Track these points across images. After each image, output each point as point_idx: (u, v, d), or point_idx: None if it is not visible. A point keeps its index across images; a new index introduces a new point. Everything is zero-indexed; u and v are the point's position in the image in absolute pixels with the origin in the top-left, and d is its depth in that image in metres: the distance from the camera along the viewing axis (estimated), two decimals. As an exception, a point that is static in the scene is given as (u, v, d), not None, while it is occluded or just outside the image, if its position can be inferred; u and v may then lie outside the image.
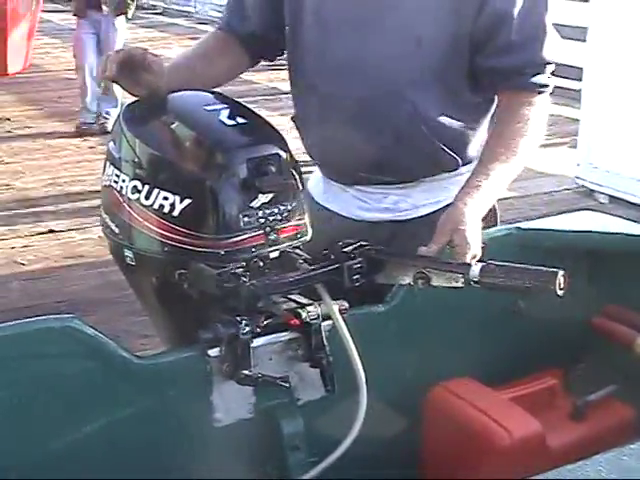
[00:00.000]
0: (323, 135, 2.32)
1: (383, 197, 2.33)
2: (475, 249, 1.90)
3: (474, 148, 2.28)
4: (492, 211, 2.30)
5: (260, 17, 2.34)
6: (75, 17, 8.60)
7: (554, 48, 2.20)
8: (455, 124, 2.25)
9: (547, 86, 2.21)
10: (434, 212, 2.05)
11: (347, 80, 2.21)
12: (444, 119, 2.22)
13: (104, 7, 8.17)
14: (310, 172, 2.47)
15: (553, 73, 2.23)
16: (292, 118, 2.42)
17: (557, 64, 2.22)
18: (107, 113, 8.31)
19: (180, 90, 2.05)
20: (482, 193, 2.04)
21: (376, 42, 2.18)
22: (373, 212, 2.35)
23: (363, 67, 2.20)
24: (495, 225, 2.35)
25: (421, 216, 2.30)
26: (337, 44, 2.21)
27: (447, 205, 2.06)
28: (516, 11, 2.14)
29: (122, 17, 8.35)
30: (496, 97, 2.27)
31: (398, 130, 2.21)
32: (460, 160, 2.27)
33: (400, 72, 2.18)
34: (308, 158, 2.41)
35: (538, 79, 2.19)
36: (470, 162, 2.24)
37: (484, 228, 2.08)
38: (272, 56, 2.45)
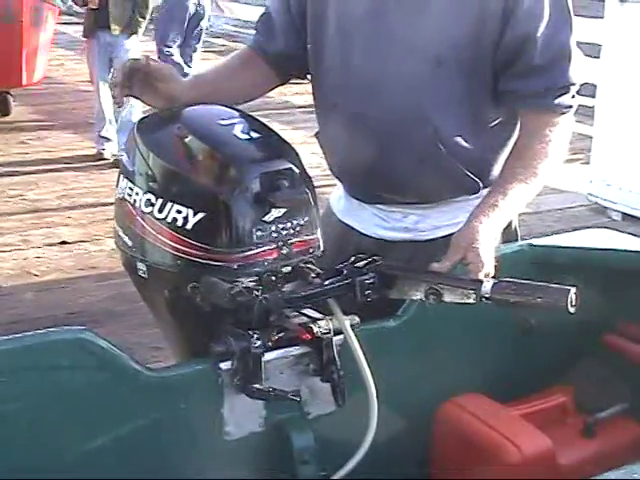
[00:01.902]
0: (344, 153, 2.32)
1: (403, 217, 2.33)
2: (488, 267, 1.89)
3: (496, 171, 2.26)
4: (512, 228, 2.30)
5: (286, 36, 2.35)
6: (85, 39, 8.26)
7: (578, 69, 2.17)
8: (477, 147, 2.23)
9: (571, 107, 2.19)
10: (453, 234, 2.04)
11: (368, 100, 2.21)
12: (466, 142, 2.21)
13: (112, 26, 7.82)
14: (325, 185, 2.49)
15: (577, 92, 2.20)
16: (315, 134, 2.43)
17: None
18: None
19: (196, 104, 2.06)
20: (498, 212, 2.03)
21: (397, 63, 2.18)
22: (392, 231, 2.35)
23: (384, 88, 2.19)
24: (516, 242, 2.35)
25: (440, 237, 2.28)
26: (359, 64, 2.21)
27: None
28: (539, 34, 2.11)
29: (134, 37, 8.01)
30: (519, 118, 2.25)
31: (419, 152, 2.20)
32: (481, 183, 2.25)
33: (421, 94, 2.17)
34: (320, 173, 2.43)
35: (561, 100, 2.17)
36: (491, 185, 2.20)
37: (502, 244, 2.09)
38: (302, 74, 2.41)
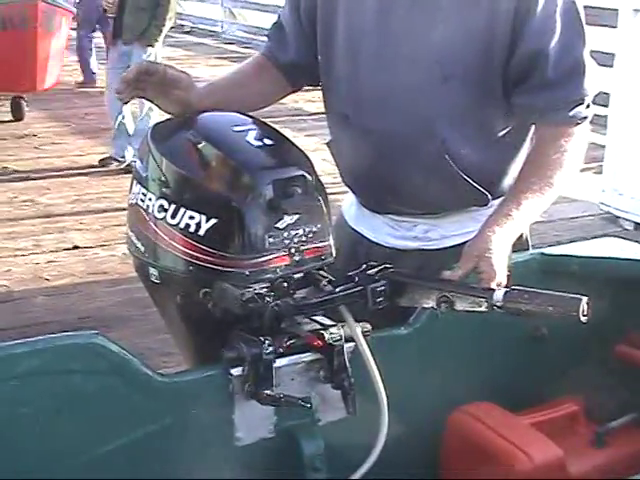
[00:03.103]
0: (355, 164, 2.32)
1: (413, 226, 2.33)
2: (500, 276, 1.89)
3: (505, 183, 2.26)
4: (523, 237, 2.29)
5: (298, 45, 2.35)
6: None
7: (592, 80, 2.15)
8: (486, 161, 2.22)
9: (586, 117, 2.16)
10: (463, 243, 2.03)
11: (377, 113, 2.21)
12: (474, 156, 2.20)
13: (125, 35, 7.80)
14: (337, 193, 2.49)
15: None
16: (327, 144, 2.43)
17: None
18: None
19: (209, 111, 2.07)
20: (511, 222, 2.03)
21: (405, 77, 2.17)
22: (402, 240, 2.35)
23: (393, 101, 2.19)
24: (527, 251, 2.35)
25: (450, 246, 2.28)
26: (368, 77, 2.21)
27: None
28: (551, 49, 2.09)
29: (150, 49, 7.85)
30: (530, 133, 2.24)
31: (427, 164, 2.19)
32: (490, 195, 2.25)
33: (429, 108, 2.17)
34: (333, 180, 2.43)
35: (576, 112, 2.14)
36: (501, 196, 2.18)
37: (513, 253, 2.08)
38: (314, 81, 2.39)
